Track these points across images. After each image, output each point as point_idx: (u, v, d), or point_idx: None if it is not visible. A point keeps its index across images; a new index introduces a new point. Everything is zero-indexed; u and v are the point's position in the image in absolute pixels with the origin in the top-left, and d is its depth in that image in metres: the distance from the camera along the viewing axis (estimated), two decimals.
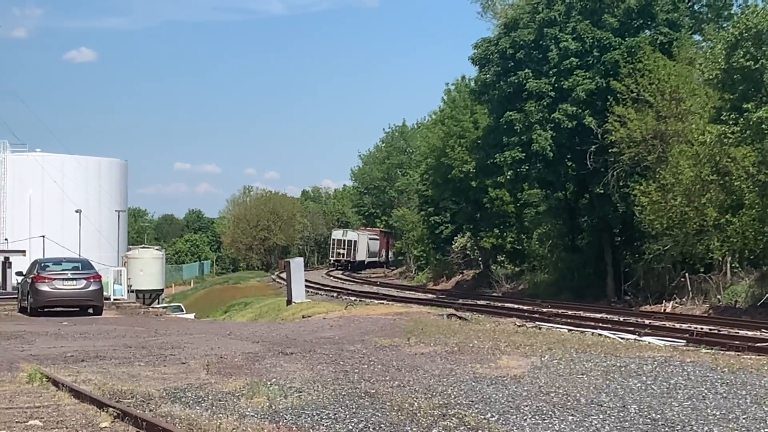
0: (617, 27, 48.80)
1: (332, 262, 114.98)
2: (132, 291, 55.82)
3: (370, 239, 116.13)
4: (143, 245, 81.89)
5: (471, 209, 70.20)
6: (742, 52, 36.91)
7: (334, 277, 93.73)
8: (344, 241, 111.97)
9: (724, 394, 14.18)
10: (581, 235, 57.98)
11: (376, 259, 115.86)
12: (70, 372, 16.28)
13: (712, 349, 23.05)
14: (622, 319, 37.02)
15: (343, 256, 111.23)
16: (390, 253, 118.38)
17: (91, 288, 35.31)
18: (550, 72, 49.43)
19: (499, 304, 48.76)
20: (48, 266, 36.43)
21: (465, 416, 12.22)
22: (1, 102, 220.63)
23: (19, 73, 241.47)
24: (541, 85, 49.07)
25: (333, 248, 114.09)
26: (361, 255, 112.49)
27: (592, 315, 39.32)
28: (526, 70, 49.82)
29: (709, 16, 57.68)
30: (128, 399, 13.39)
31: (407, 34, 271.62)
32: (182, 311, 56.51)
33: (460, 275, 78.59)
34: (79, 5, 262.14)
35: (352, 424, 11.86)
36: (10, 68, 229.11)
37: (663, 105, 45.12)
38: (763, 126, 35.22)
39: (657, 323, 33.79)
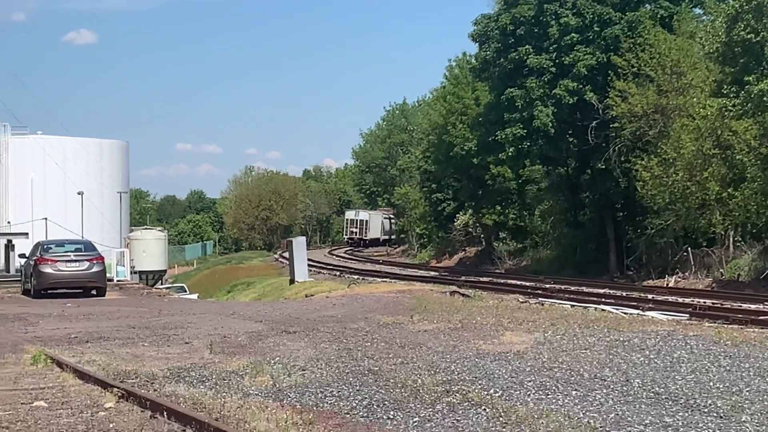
0: (617, 2, 48.71)
1: (346, 240, 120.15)
2: (135, 272, 55.82)
3: (384, 218, 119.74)
4: (146, 226, 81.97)
5: (473, 186, 70.07)
6: (742, 25, 36.78)
7: (337, 256, 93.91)
8: (356, 220, 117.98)
9: (727, 368, 14.18)
10: (583, 211, 57.97)
11: (393, 236, 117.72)
12: (74, 353, 16.30)
13: (715, 322, 23.07)
14: (625, 294, 37.02)
15: (356, 235, 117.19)
16: None
17: (94, 269, 35.32)
18: (551, 48, 49.35)
19: (502, 281, 48.77)
20: (51, 248, 36.41)
21: (468, 392, 12.23)
22: (1, 85, 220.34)
23: (20, 56, 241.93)
24: (542, 61, 49.00)
25: (346, 227, 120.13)
26: (374, 233, 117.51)
27: (595, 290, 39.33)
28: (527, 46, 49.74)
29: None
30: (132, 379, 13.41)
31: (408, 10, 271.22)
32: (185, 292, 56.53)
33: (463, 252, 78.61)
34: None
35: (356, 402, 11.87)
36: (11, 51, 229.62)
37: (664, 79, 45.04)
38: (764, 99, 35.12)
39: (660, 298, 33.79)
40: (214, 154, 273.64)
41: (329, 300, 30.29)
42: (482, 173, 66.36)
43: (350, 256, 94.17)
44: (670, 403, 11.71)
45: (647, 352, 15.69)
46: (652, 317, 24.31)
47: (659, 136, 44.44)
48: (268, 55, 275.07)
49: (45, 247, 36.66)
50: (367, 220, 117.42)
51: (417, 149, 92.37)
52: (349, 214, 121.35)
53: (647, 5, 49.50)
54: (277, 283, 57.04)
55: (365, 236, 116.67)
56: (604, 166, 48.78)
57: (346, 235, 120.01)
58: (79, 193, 64.77)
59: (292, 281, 46.25)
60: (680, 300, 32.71)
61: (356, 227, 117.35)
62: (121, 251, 54.69)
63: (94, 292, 35.69)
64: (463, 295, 32.28)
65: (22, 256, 40.37)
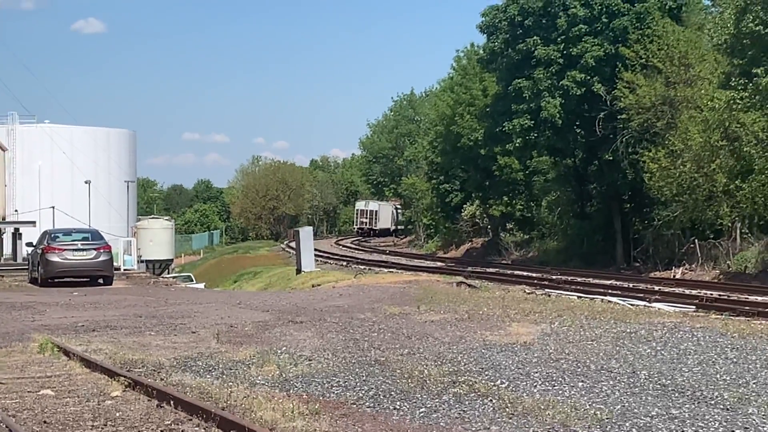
0: None
1: (356, 230, 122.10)
2: (142, 261, 55.90)
3: (395, 208, 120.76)
4: (153, 215, 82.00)
5: (480, 177, 69.99)
6: (751, 17, 36.66)
7: (344, 246, 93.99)
8: (366, 210, 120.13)
9: (734, 360, 14.18)
10: (590, 202, 57.93)
11: (402, 227, 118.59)
12: (81, 342, 16.34)
13: (722, 314, 23.04)
14: (631, 285, 36.96)
15: (365, 224, 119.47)
16: None
17: (101, 258, 35.38)
18: (559, 39, 49.26)
19: (509, 272, 48.72)
20: (58, 237, 36.48)
21: (475, 383, 12.25)
22: (9, 74, 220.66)
23: (28, 44, 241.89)
24: (550, 52, 48.92)
25: (356, 217, 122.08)
26: (384, 223, 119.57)
27: (602, 281, 39.29)
28: (535, 38, 49.64)
29: None
30: (139, 368, 13.44)
31: (416, 1, 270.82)
32: (192, 281, 56.59)
33: (470, 243, 78.55)
34: None
35: (363, 392, 11.89)
36: (19, 40, 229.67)
37: (672, 71, 44.95)
38: None
39: (667, 289, 33.75)
40: (222, 143, 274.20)
41: (336, 290, 30.30)
42: (489, 164, 66.28)
43: (357, 247, 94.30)
44: (677, 395, 11.71)
45: (654, 344, 15.69)
46: (659, 309, 24.29)
47: (667, 127, 44.34)
48: (276, 43, 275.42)
49: (52, 235, 36.73)
50: (377, 211, 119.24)
51: (424, 140, 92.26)
52: (359, 205, 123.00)
53: None
54: (283, 272, 57.11)
55: (375, 226, 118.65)
56: (611, 158, 48.72)
57: (356, 224, 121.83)
58: (86, 182, 65.03)
59: (298, 271, 46.29)
60: (687, 292, 32.63)
61: (366, 217, 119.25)
62: (128, 240, 54.82)
63: (101, 281, 35.75)
64: (469, 286, 32.25)
65: (29, 244, 40.45)
